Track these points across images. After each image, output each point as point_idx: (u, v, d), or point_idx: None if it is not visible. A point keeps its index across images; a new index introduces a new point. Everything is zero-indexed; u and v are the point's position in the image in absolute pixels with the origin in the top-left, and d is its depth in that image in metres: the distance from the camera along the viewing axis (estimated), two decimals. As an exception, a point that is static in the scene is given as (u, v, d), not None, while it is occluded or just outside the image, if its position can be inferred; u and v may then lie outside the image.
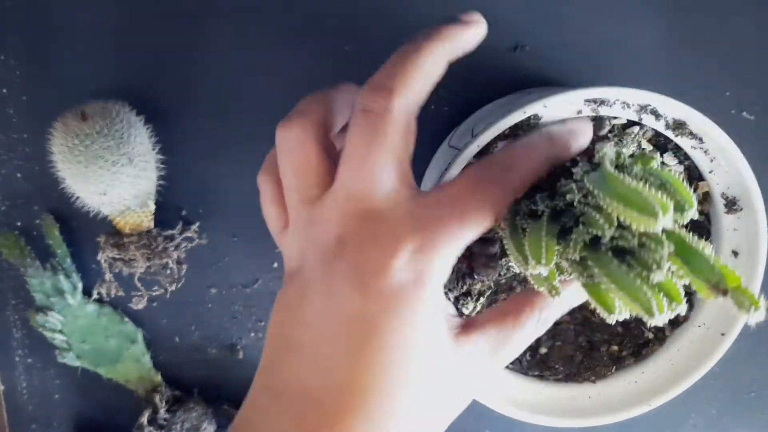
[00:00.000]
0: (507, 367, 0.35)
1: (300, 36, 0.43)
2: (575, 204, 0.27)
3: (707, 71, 0.43)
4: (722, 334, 0.33)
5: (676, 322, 0.35)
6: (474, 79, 0.43)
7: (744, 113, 0.43)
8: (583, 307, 0.34)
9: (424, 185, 0.42)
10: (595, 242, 0.26)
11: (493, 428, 0.48)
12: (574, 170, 0.29)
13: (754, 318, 0.23)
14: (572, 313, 0.35)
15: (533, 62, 0.42)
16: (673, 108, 0.30)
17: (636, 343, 0.35)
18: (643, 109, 0.31)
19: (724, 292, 0.23)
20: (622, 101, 0.31)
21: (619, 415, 0.34)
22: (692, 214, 0.24)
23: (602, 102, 0.31)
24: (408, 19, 0.42)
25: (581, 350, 0.35)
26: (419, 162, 0.43)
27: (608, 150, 0.27)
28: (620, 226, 0.25)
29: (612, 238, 0.25)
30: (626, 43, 0.42)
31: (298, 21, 0.42)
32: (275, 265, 0.46)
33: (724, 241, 0.33)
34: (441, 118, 0.43)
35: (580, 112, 0.31)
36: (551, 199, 0.28)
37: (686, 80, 0.43)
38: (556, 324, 0.35)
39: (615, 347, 0.35)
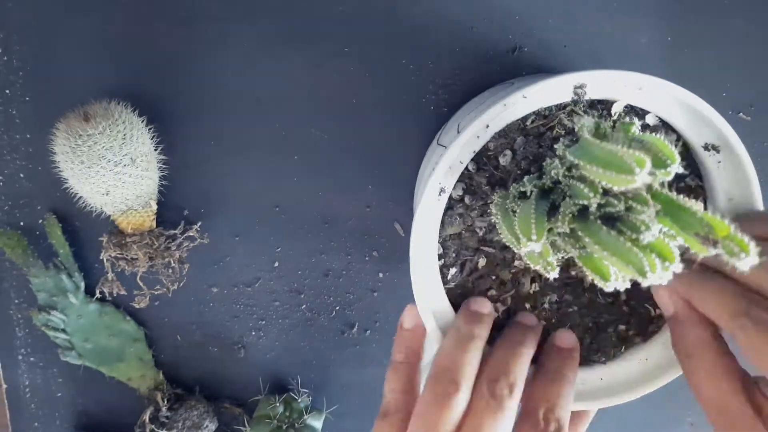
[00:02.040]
0: None
1: (300, 38, 0.43)
2: (560, 179, 0.27)
3: (704, 73, 0.43)
4: None
5: None
6: (473, 81, 0.43)
7: (741, 114, 0.43)
8: (588, 289, 0.35)
9: (418, 181, 0.42)
10: (583, 213, 0.26)
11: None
12: (555, 146, 0.29)
13: (746, 263, 0.23)
14: (577, 296, 0.35)
15: (532, 64, 0.43)
16: (652, 83, 0.31)
17: (642, 320, 0.35)
18: (624, 88, 0.31)
19: (715, 243, 0.23)
20: (605, 84, 0.31)
21: (633, 392, 0.34)
22: (676, 168, 0.24)
23: (582, 86, 0.31)
24: (406, 20, 0.42)
25: (589, 332, 0.35)
26: (415, 161, 0.44)
27: (586, 121, 0.27)
28: (606, 193, 0.25)
29: (599, 206, 0.25)
30: (624, 45, 0.42)
31: (299, 23, 0.43)
32: (276, 264, 0.47)
33: (719, 191, 0.33)
34: (441, 119, 0.44)
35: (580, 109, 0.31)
36: (539, 179, 0.29)
37: (683, 81, 0.43)
38: (560, 307, 0.35)
39: (622, 327, 0.35)
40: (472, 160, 0.32)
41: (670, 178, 0.25)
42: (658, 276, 0.23)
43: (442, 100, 0.43)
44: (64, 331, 0.46)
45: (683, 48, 0.42)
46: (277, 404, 0.46)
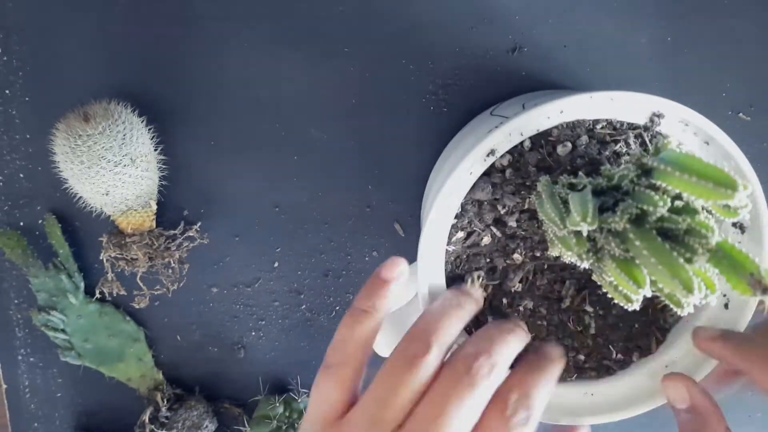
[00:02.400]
0: None
1: (299, 38, 0.43)
2: (624, 183, 0.28)
3: (704, 73, 0.43)
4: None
5: (648, 351, 0.35)
6: (472, 81, 0.43)
7: (740, 114, 0.43)
8: (564, 311, 0.35)
9: (446, 153, 0.42)
10: (638, 220, 0.26)
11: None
12: (622, 158, 0.30)
13: None
14: (552, 313, 0.35)
15: (531, 64, 0.43)
16: (723, 139, 0.31)
17: (602, 360, 0.36)
18: (686, 127, 0.32)
19: (765, 289, 0.23)
20: (681, 119, 0.31)
21: (570, 419, 0.34)
22: (745, 214, 0.25)
23: (661, 116, 0.32)
24: (406, 20, 0.42)
25: None
26: (415, 161, 0.44)
27: (671, 138, 0.27)
28: (671, 210, 0.26)
29: (659, 219, 0.25)
30: (624, 45, 0.42)
31: (298, 23, 0.43)
32: (276, 264, 0.47)
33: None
34: (441, 119, 0.44)
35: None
36: (593, 179, 0.29)
37: (684, 82, 0.43)
38: (532, 316, 0.35)
39: (581, 357, 0.35)
40: (530, 138, 0.32)
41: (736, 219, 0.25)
42: (697, 299, 0.24)
43: (442, 100, 0.43)
44: (63, 331, 0.46)
45: (683, 48, 0.42)
46: (277, 404, 0.46)
